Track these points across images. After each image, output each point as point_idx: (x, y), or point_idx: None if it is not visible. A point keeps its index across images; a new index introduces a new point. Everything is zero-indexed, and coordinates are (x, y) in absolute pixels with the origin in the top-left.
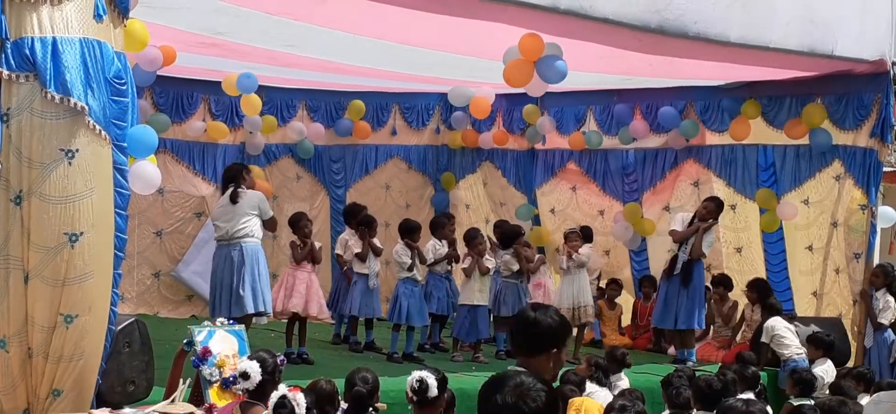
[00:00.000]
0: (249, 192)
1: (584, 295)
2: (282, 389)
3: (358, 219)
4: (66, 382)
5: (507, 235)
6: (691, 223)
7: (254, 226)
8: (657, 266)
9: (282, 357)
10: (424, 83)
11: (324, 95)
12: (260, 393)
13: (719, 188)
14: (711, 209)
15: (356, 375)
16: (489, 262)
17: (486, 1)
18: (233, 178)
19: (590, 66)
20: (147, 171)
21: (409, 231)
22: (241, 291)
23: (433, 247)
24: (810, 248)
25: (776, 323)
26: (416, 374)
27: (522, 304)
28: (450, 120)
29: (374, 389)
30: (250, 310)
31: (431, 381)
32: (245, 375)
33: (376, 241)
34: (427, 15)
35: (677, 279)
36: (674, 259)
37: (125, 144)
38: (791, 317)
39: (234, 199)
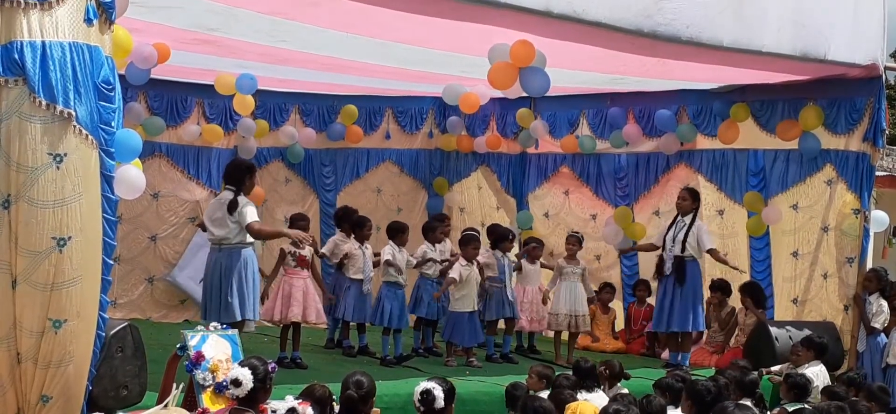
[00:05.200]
0: (244, 201)
1: (580, 304)
2: (289, 400)
3: (351, 221)
4: (54, 388)
5: (496, 236)
6: (672, 224)
7: (245, 233)
8: (647, 271)
9: (273, 364)
10: (418, 81)
11: (317, 99)
12: (250, 400)
13: (709, 193)
14: (687, 198)
15: (350, 379)
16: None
17: (479, 4)
18: (236, 181)
19: (582, 65)
20: (131, 175)
21: (397, 232)
22: (229, 297)
23: (424, 251)
24: (795, 254)
25: None
26: (423, 385)
27: (505, 307)
28: (444, 124)
29: (369, 393)
30: (238, 317)
31: (438, 392)
32: (236, 383)
33: (369, 247)
34: (421, 16)
35: (671, 280)
36: (660, 261)
37: (113, 149)
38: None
39: (230, 208)
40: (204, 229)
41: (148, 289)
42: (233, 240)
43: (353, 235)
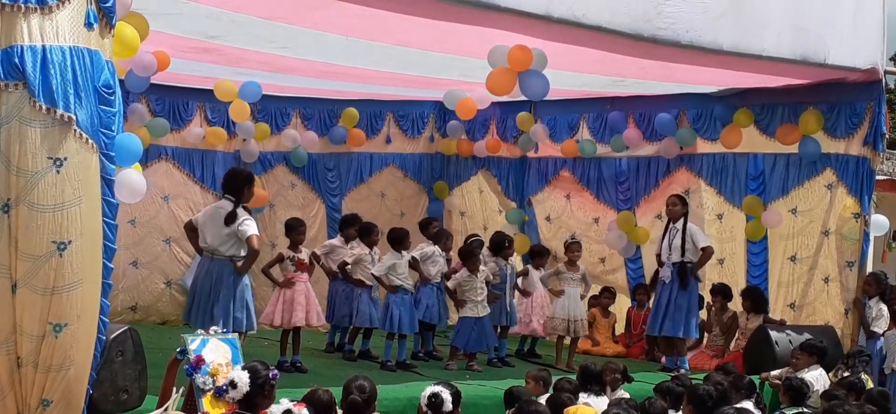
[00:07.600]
0: (243, 215)
1: (578, 310)
2: (285, 403)
3: (357, 227)
4: (55, 392)
5: (494, 244)
6: (666, 229)
7: (239, 246)
8: (651, 274)
9: (275, 370)
10: (418, 86)
11: (318, 103)
12: (249, 404)
13: (709, 197)
14: (678, 203)
15: (352, 383)
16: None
17: (480, 9)
18: (235, 190)
19: (582, 68)
20: (132, 179)
21: (397, 240)
22: (214, 309)
23: (421, 249)
24: (794, 258)
25: None
26: (430, 389)
27: (503, 315)
28: (444, 128)
29: (371, 397)
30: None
31: (446, 395)
32: (233, 384)
33: (378, 252)
34: (422, 20)
35: (673, 284)
36: (655, 273)
37: (113, 153)
38: (783, 323)
39: (228, 221)
40: (190, 229)
41: (166, 292)
42: (224, 252)
43: (358, 241)
